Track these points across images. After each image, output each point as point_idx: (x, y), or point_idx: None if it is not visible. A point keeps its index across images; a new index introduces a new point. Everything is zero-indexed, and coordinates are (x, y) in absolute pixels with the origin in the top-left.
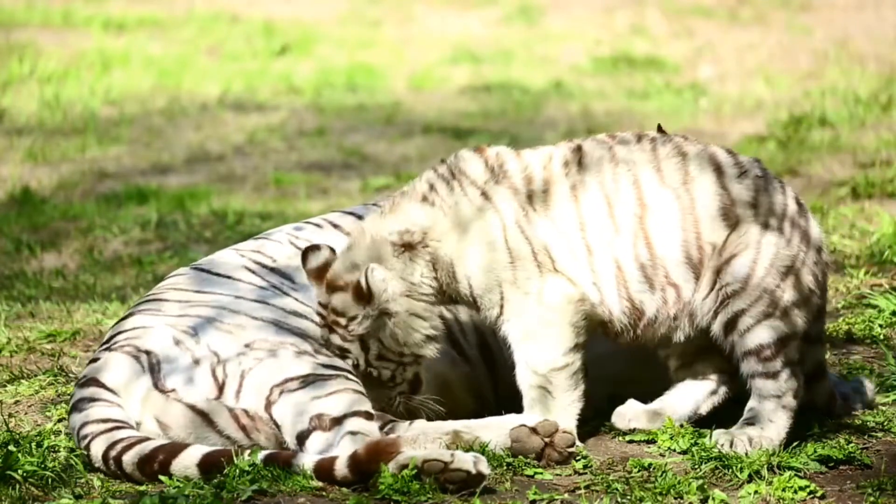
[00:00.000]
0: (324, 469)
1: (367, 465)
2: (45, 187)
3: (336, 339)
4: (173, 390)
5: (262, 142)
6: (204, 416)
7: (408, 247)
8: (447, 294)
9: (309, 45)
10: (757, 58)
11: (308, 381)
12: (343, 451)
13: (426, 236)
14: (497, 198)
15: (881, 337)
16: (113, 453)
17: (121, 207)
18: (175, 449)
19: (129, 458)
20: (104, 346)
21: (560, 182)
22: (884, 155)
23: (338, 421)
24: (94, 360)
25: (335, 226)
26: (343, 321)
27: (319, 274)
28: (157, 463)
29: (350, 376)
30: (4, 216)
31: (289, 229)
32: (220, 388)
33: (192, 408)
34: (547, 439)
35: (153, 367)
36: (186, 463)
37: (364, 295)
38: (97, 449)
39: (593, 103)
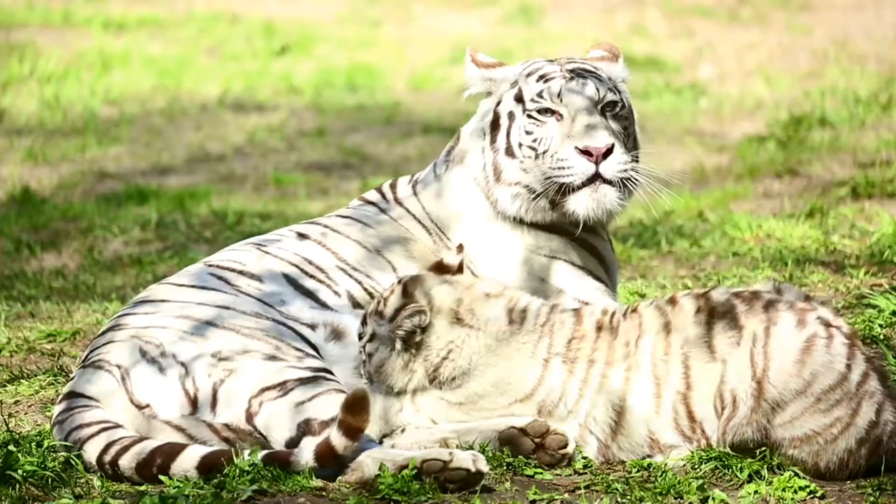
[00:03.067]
0: (324, 451)
1: (354, 422)
2: (45, 187)
3: (378, 308)
4: (147, 406)
5: (262, 142)
6: (183, 432)
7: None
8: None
9: (309, 45)
10: (757, 58)
11: (287, 387)
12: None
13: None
14: (541, 346)
15: (881, 337)
16: (108, 457)
17: (121, 207)
18: (173, 451)
19: (126, 462)
20: (81, 364)
21: (615, 356)
22: (884, 155)
23: (327, 424)
24: (71, 378)
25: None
26: (386, 314)
27: (437, 268)
28: (155, 467)
29: (328, 376)
30: (4, 216)
31: (258, 239)
32: (193, 403)
33: (169, 424)
34: (538, 440)
35: (125, 381)
36: (185, 465)
37: (410, 338)
38: (91, 452)
39: None
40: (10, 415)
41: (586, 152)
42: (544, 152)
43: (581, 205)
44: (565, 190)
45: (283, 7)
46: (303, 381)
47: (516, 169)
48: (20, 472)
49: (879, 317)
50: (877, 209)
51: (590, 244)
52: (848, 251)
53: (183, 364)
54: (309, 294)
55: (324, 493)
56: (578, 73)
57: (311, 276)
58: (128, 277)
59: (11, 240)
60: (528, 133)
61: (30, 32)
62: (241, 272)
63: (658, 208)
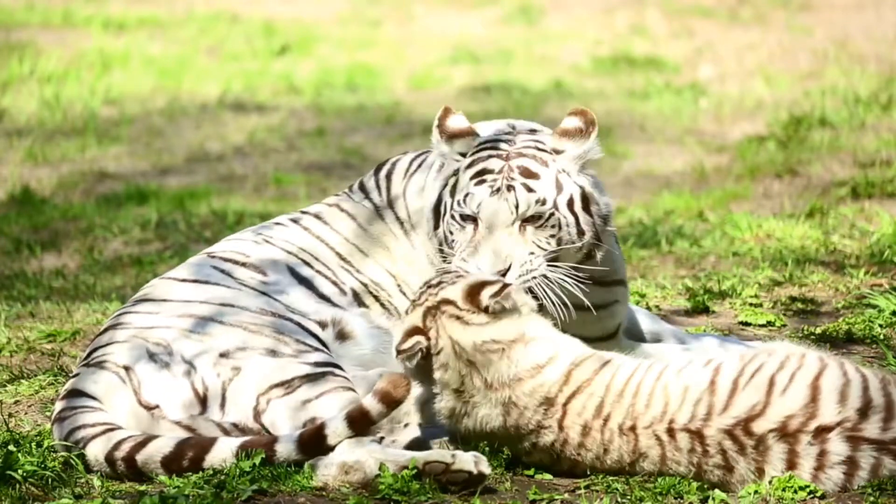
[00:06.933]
0: (356, 416)
1: (393, 391)
2: (45, 187)
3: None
4: (157, 406)
5: (262, 142)
6: (193, 432)
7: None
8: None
9: (309, 45)
10: (757, 58)
11: (294, 385)
12: (343, 452)
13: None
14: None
15: (881, 337)
16: (120, 454)
17: (121, 207)
18: (204, 444)
19: (142, 458)
20: (83, 363)
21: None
22: (884, 155)
23: None
24: (74, 375)
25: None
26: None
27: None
28: (186, 460)
29: (336, 371)
30: (4, 216)
31: (255, 227)
32: (203, 402)
33: (179, 424)
34: None
35: (133, 382)
36: (220, 457)
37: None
38: (96, 451)
39: (593, 103)
40: (10, 415)
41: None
42: (456, 252)
43: None
44: None
45: (283, 7)
46: (310, 378)
47: (450, 255)
48: (20, 472)
49: (879, 317)
50: (877, 209)
51: None
52: (848, 251)
53: (191, 363)
54: (313, 285)
55: (324, 493)
56: (508, 186)
57: (314, 268)
58: (128, 277)
59: (11, 240)
60: (450, 232)
61: (30, 32)
62: (244, 264)
63: (659, 208)
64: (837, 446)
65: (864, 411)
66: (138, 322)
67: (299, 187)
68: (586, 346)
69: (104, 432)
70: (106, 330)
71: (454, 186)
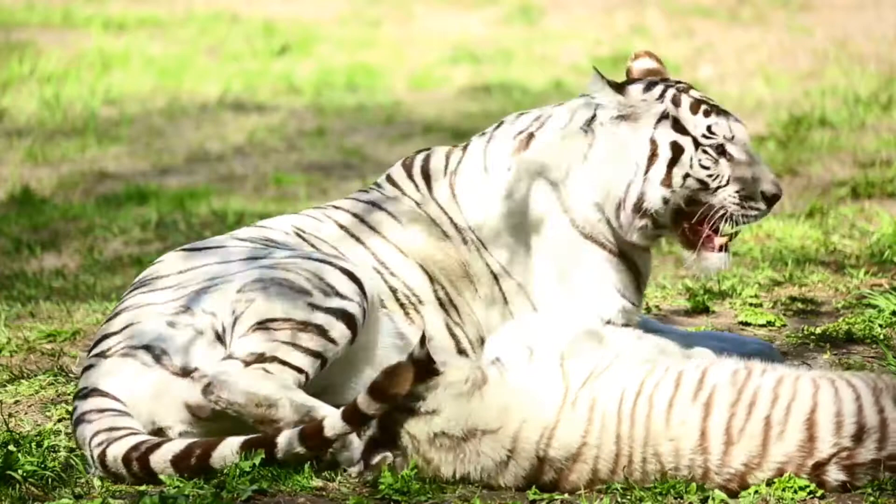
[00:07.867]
0: (352, 414)
1: (388, 386)
2: (45, 187)
3: None
4: (196, 369)
5: (262, 142)
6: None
7: None
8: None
9: (309, 45)
10: (757, 58)
11: (299, 327)
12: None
13: None
14: None
15: (881, 337)
16: (136, 454)
17: (121, 207)
18: (209, 444)
19: (156, 459)
20: (97, 353)
21: None
22: (884, 155)
23: (280, 362)
24: (89, 366)
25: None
26: None
27: None
28: (194, 458)
29: (339, 333)
30: (4, 216)
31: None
32: (222, 340)
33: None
34: None
35: (160, 360)
36: (226, 453)
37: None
38: (115, 453)
39: None
40: (10, 415)
41: (768, 197)
42: (718, 188)
43: (714, 265)
44: (708, 235)
45: (283, 7)
46: (313, 328)
47: (659, 200)
48: (20, 472)
49: (879, 317)
50: (877, 209)
51: (636, 264)
52: (848, 251)
53: (212, 313)
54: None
55: (324, 493)
56: (724, 111)
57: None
58: (128, 277)
59: (11, 240)
60: (703, 167)
61: (30, 32)
62: (250, 239)
63: None
64: (833, 475)
65: (859, 436)
66: (152, 299)
67: (299, 187)
68: (561, 387)
69: (125, 436)
70: (117, 314)
71: (675, 126)
